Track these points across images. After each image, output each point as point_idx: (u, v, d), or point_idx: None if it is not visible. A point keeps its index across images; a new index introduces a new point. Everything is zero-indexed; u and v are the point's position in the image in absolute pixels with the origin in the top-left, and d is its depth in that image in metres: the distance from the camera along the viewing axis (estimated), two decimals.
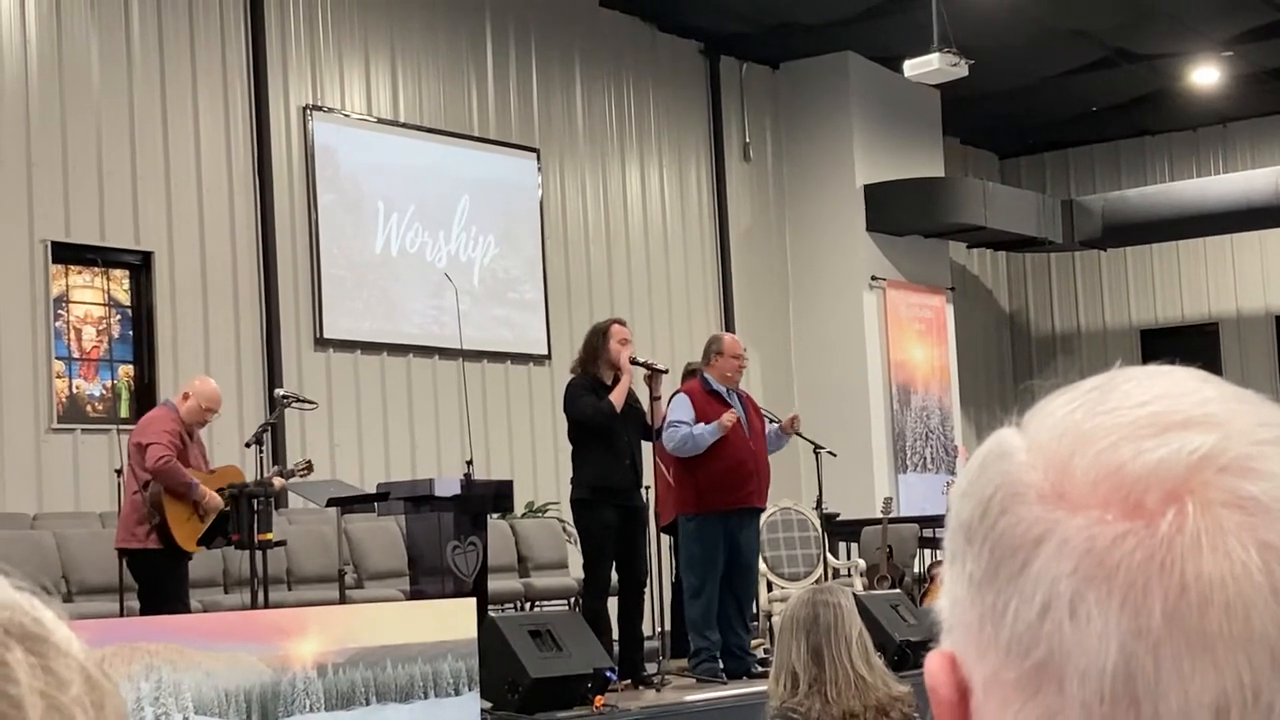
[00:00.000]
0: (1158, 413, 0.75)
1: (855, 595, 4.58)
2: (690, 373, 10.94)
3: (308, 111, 13.51)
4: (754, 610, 11.09)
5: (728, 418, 9.59)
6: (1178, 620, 0.71)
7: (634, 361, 9.94)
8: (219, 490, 8.96)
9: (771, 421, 10.42)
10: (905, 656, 9.30)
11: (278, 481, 9.41)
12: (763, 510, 10.38)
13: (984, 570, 0.77)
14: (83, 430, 11.71)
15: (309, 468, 9.82)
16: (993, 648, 0.76)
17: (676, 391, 10.10)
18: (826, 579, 12.18)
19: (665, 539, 10.99)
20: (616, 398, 9.76)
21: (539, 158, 15.29)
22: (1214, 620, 0.71)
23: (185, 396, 9.11)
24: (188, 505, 8.84)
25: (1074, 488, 0.75)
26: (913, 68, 14.88)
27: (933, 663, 0.79)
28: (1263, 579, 0.71)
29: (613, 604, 10.02)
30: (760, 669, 9.67)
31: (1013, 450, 0.78)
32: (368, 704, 7.76)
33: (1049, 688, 0.73)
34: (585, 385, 9.91)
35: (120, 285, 12.31)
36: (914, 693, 4.19)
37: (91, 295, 12.14)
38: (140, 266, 12.35)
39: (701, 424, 9.70)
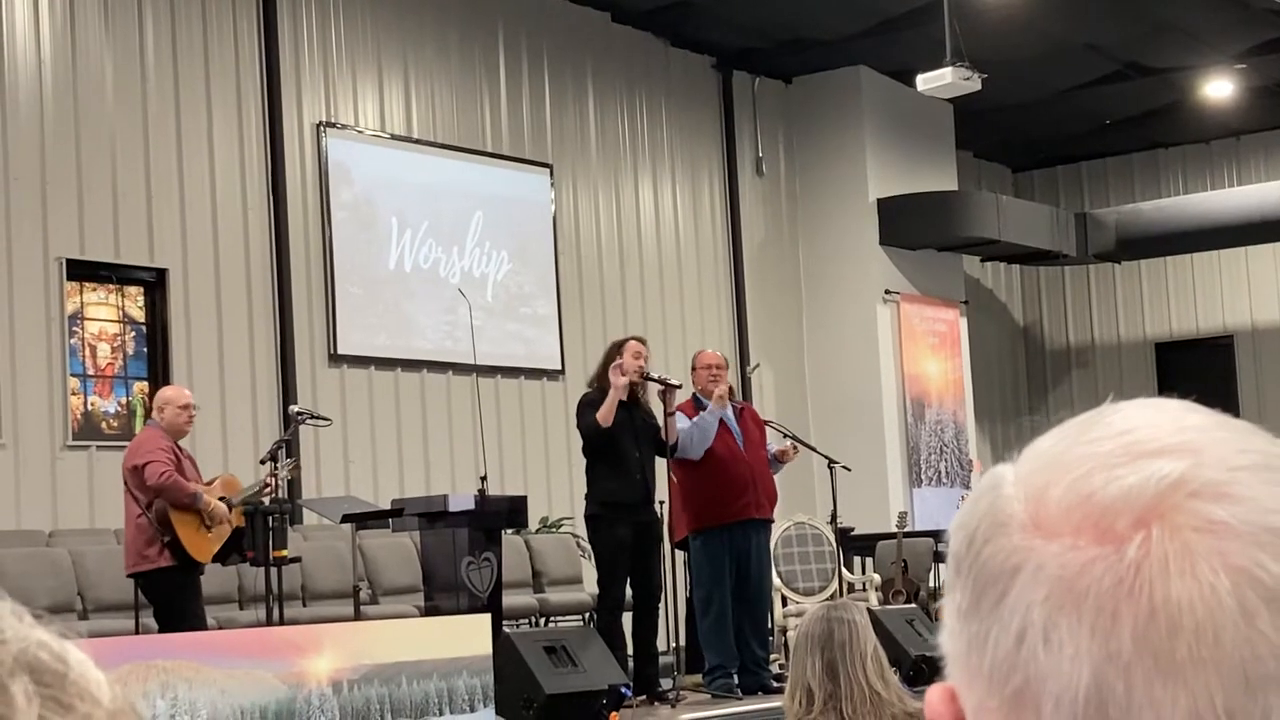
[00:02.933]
0: (1134, 441, 0.76)
1: (870, 610, 4.57)
2: None
3: (321, 128, 13.54)
4: (770, 625, 11.08)
5: (718, 392, 9.91)
6: (1147, 644, 0.71)
7: (647, 377, 9.95)
8: (221, 499, 8.98)
9: (774, 430, 10.56)
10: (921, 672, 9.29)
11: (269, 480, 9.36)
12: (769, 521, 10.40)
13: (969, 600, 0.77)
14: (98, 447, 11.72)
15: (297, 466, 9.80)
16: (978, 676, 0.76)
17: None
18: (841, 594, 12.16)
19: (680, 554, 10.98)
20: (603, 413, 9.73)
21: (552, 173, 15.31)
22: (1184, 643, 0.71)
23: (160, 411, 9.16)
24: (194, 517, 8.85)
25: (1048, 516, 0.75)
26: (925, 82, 14.87)
27: (933, 695, 0.80)
28: (1232, 601, 0.71)
29: (627, 620, 10.01)
30: (776, 685, 9.65)
31: (1001, 483, 0.79)
32: None
33: (1027, 714, 0.74)
34: (592, 400, 9.92)
35: (135, 302, 12.33)
36: None
37: (106, 312, 12.16)
38: (155, 283, 12.37)
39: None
